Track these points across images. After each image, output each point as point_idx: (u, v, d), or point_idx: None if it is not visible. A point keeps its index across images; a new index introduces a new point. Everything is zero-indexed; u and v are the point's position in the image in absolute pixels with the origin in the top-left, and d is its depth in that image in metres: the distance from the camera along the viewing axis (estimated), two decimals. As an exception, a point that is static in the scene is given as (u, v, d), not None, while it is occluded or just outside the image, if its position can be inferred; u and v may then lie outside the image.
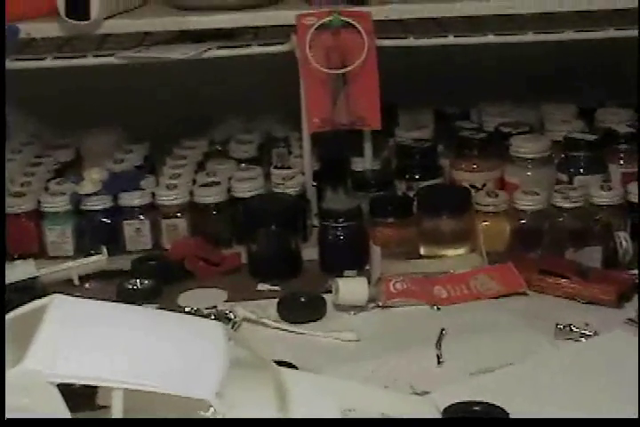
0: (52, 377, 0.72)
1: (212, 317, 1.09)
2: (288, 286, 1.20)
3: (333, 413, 0.80)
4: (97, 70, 1.32)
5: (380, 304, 1.14)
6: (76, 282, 1.22)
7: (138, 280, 1.20)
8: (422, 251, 1.25)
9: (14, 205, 1.28)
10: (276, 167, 1.34)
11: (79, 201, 1.29)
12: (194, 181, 1.33)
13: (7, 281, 1.18)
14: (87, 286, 1.22)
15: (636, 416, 0.88)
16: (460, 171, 1.33)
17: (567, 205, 1.22)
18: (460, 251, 1.24)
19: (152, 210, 1.29)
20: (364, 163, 1.35)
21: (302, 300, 1.14)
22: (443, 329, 1.06)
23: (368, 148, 1.33)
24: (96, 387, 0.82)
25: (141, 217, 1.29)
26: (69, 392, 0.75)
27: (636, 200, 1.22)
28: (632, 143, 1.30)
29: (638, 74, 1.37)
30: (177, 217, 1.29)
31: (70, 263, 1.22)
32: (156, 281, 1.20)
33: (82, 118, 1.50)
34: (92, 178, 1.31)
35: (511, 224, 1.24)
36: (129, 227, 1.29)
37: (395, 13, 1.23)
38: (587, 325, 1.05)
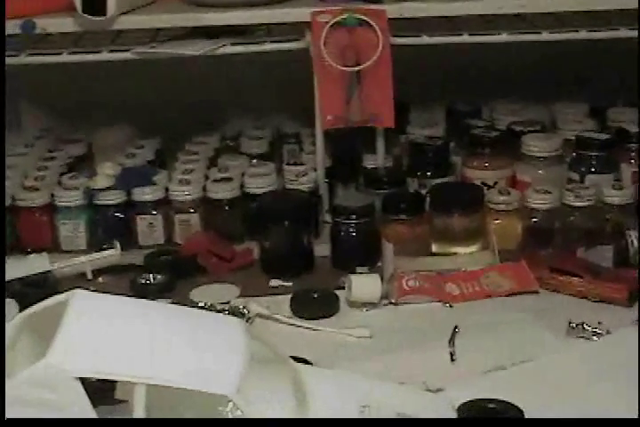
0: (76, 372, 0.73)
1: (226, 312, 1.10)
2: (300, 283, 1.21)
3: (351, 408, 0.81)
4: (109, 65, 1.33)
5: (393, 301, 1.14)
6: (90, 276, 1.23)
7: (151, 275, 1.20)
8: (434, 248, 1.25)
9: (28, 199, 1.28)
10: (288, 164, 1.35)
11: (92, 196, 1.29)
12: (206, 177, 1.34)
13: (21, 275, 1.18)
14: (100, 280, 1.23)
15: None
16: (472, 169, 1.33)
17: (579, 203, 1.22)
18: (472, 249, 1.25)
19: (165, 205, 1.30)
20: (377, 160, 1.35)
21: (315, 296, 1.15)
22: (456, 326, 1.07)
23: (380, 145, 1.34)
24: (114, 382, 0.82)
25: (154, 212, 1.29)
26: (88, 387, 0.76)
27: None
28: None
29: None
30: (190, 212, 1.29)
31: (83, 258, 1.23)
32: (168, 276, 1.20)
33: (94, 113, 1.51)
34: (106, 173, 1.31)
35: (523, 222, 1.25)
36: (142, 222, 1.29)
37: (409, 11, 1.23)
38: (599, 323, 1.06)
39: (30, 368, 0.73)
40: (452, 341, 1.05)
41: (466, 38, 1.27)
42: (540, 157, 1.31)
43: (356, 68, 1.23)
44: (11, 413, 0.73)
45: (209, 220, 1.30)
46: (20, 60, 1.25)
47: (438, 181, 1.32)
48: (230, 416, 0.82)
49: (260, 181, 1.30)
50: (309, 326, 1.10)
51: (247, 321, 1.10)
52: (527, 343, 1.04)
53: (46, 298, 0.83)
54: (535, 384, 0.96)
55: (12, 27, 1.21)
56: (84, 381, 0.75)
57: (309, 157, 1.36)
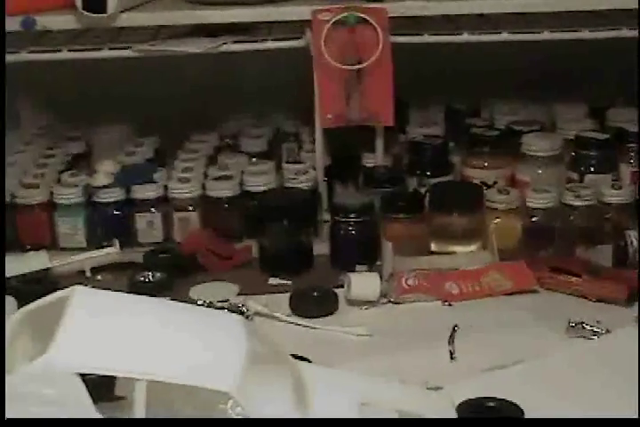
0: (77, 368, 0.73)
1: (225, 310, 1.10)
2: (299, 281, 1.20)
3: (351, 406, 0.81)
4: (109, 63, 1.32)
5: (392, 300, 1.14)
6: (88, 274, 1.23)
7: (150, 273, 1.20)
8: (433, 247, 1.25)
9: (27, 197, 1.28)
10: (288, 162, 1.35)
11: (92, 193, 1.29)
12: (205, 175, 1.34)
13: (20, 272, 1.18)
14: (99, 277, 1.23)
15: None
16: (471, 168, 1.34)
17: (578, 203, 1.23)
18: (471, 248, 1.25)
19: (164, 203, 1.30)
20: (376, 159, 1.35)
21: (314, 294, 1.15)
22: (455, 325, 1.07)
23: (380, 144, 1.34)
24: (114, 378, 0.82)
25: (153, 210, 1.29)
26: (88, 383, 0.76)
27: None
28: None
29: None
30: (189, 210, 1.29)
31: (83, 255, 1.23)
32: (167, 274, 1.20)
33: (93, 111, 1.50)
34: (105, 170, 1.31)
35: (522, 222, 1.25)
36: (141, 219, 1.29)
37: (411, 10, 1.23)
38: (598, 322, 1.06)
39: (31, 364, 0.73)
40: (451, 339, 1.05)
41: (466, 37, 1.27)
42: (539, 157, 1.31)
43: (357, 67, 1.23)
44: (11, 408, 0.73)
45: (208, 218, 1.30)
46: (20, 58, 1.25)
47: (437, 180, 1.32)
48: (230, 413, 0.82)
49: (260, 180, 1.30)
50: (308, 325, 1.10)
51: (247, 319, 1.10)
52: (526, 343, 1.04)
53: (45, 295, 0.83)
54: (535, 383, 0.97)
55: (12, 23, 1.21)
56: (85, 377, 0.75)
57: (309, 155, 1.36)
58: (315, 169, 1.32)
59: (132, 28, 1.28)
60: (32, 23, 1.21)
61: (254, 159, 1.40)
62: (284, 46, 1.26)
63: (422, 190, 1.31)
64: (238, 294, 1.17)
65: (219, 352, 0.78)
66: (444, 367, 1.01)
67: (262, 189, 1.29)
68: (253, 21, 1.26)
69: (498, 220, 1.25)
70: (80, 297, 0.79)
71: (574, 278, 1.14)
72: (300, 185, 1.30)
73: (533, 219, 1.24)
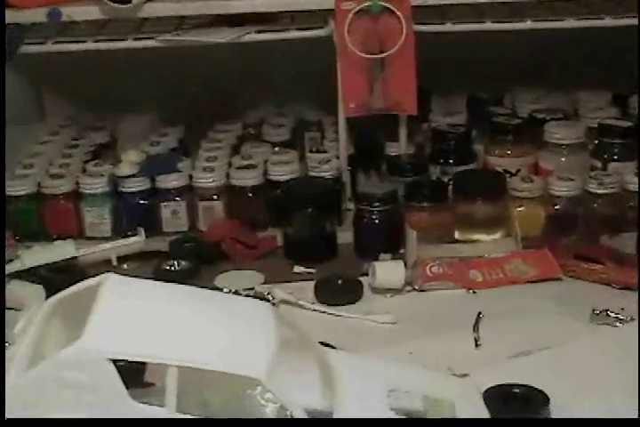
0: (110, 354, 0.74)
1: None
2: (323, 269, 1.21)
3: (379, 393, 0.81)
4: (134, 54, 1.33)
5: (417, 287, 1.15)
6: (114, 263, 1.24)
7: (175, 261, 1.21)
8: (457, 236, 1.26)
9: (53, 187, 1.30)
10: (311, 151, 1.35)
11: (117, 183, 1.30)
12: (229, 164, 1.34)
13: (47, 261, 1.19)
14: (125, 266, 1.24)
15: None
16: (494, 156, 1.34)
17: (602, 191, 1.23)
18: (495, 236, 1.25)
19: (189, 192, 1.31)
20: (399, 147, 1.35)
21: (339, 282, 1.15)
22: (480, 313, 1.08)
23: (403, 132, 1.34)
24: (144, 364, 0.83)
25: (178, 199, 1.30)
26: (119, 369, 0.77)
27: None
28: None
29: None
30: (213, 199, 1.30)
31: (109, 244, 1.24)
32: (192, 263, 1.21)
33: (118, 101, 1.52)
34: (130, 160, 1.32)
35: (546, 210, 1.25)
36: (166, 209, 1.30)
37: (433, -1, 1.23)
38: (622, 310, 1.06)
39: (64, 350, 0.74)
40: (476, 327, 1.06)
41: (489, 26, 1.27)
42: (562, 145, 1.32)
43: (380, 56, 1.24)
44: (47, 393, 0.74)
45: (232, 207, 1.31)
46: (45, 48, 1.26)
47: (461, 168, 1.32)
48: (259, 399, 0.82)
49: (284, 169, 1.31)
50: (333, 313, 1.11)
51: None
52: (551, 330, 1.05)
53: (73, 284, 0.84)
54: (559, 370, 0.97)
55: (39, 15, 1.22)
56: (115, 363, 0.76)
57: (332, 144, 1.37)
58: (338, 158, 1.33)
59: (156, 18, 1.29)
60: (58, 14, 1.22)
61: (277, 148, 1.41)
62: (308, 35, 1.26)
63: (445, 179, 1.31)
64: (263, 283, 1.18)
65: (249, 339, 0.78)
66: (469, 354, 1.02)
67: (286, 178, 1.30)
68: (277, 11, 1.26)
69: (521, 208, 1.26)
70: (112, 284, 0.80)
71: (598, 266, 1.15)
72: (323, 174, 1.31)
73: (557, 207, 1.25)
